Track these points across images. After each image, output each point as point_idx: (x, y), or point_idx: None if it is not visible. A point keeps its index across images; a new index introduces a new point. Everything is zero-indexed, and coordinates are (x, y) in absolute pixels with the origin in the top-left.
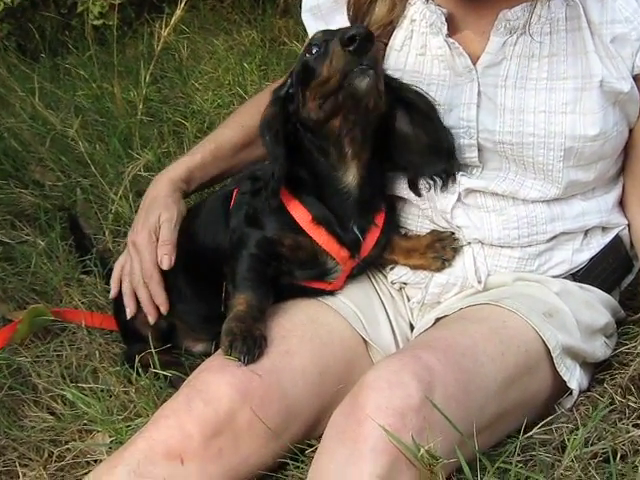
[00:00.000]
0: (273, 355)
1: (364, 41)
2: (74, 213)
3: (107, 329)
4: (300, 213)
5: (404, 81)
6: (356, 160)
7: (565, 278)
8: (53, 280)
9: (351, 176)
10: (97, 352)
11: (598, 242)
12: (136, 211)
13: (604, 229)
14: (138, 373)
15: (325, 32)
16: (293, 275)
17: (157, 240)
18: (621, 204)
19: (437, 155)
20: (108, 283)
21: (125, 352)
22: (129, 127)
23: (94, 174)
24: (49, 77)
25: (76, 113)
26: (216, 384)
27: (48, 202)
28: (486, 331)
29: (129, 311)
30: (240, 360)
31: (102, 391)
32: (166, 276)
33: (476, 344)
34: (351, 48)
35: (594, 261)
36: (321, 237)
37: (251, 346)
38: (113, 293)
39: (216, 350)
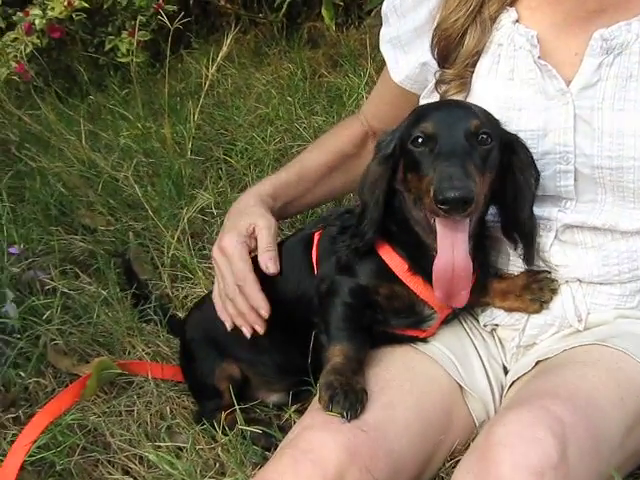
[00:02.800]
0: (375, 408)
1: (459, 205)
2: (128, 258)
3: (177, 381)
4: (395, 262)
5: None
6: None
7: None
8: (116, 331)
9: None
10: (168, 407)
11: None
12: (194, 255)
13: None
14: (224, 430)
15: (433, 117)
16: (388, 323)
17: (248, 246)
18: None
19: (518, 230)
20: (170, 332)
21: (199, 409)
22: (178, 167)
23: (146, 217)
24: (88, 117)
25: (122, 154)
26: (322, 443)
27: (100, 247)
28: (604, 375)
29: (246, 331)
30: (343, 416)
31: (180, 449)
32: None
33: (596, 389)
34: (443, 207)
35: None
36: (419, 286)
37: (353, 401)
38: (228, 326)
39: (294, 401)
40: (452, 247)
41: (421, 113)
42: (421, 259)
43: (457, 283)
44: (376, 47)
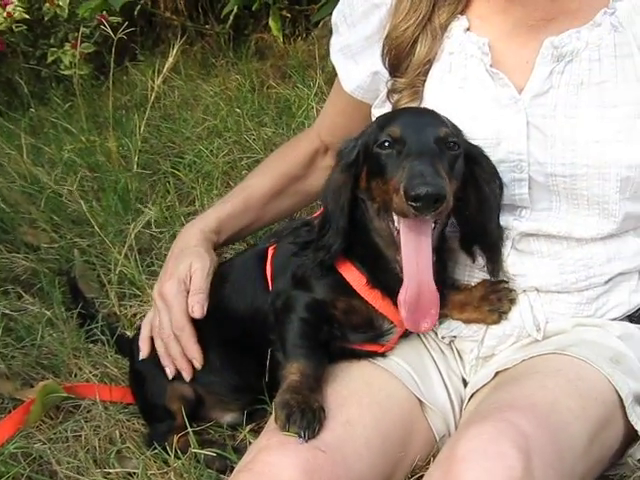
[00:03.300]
0: (333, 427)
1: (430, 201)
2: (73, 277)
3: (127, 403)
4: (353, 275)
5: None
6: None
7: (621, 320)
8: (61, 352)
9: None
10: (117, 431)
11: None
12: (142, 271)
13: None
14: (176, 454)
15: (400, 121)
16: (346, 339)
17: (187, 291)
18: None
19: (483, 241)
20: (118, 352)
21: (151, 432)
22: (124, 181)
23: (91, 233)
24: (30, 131)
25: (66, 169)
26: (279, 466)
27: (44, 266)
28: (564, 385)
29: (169, 371)
30: (300, 436)
31: (131, 475)
32: None
33: (558, 400)
34: (414, 205)
35: None
36: (377, 301)
37: (310, 420)
38: (143, 354)
39: (249, 420)
40: (416, 254)
41: (387, 119)
42: (380, 272)
43: (424, 303)
44: (324, 58)
